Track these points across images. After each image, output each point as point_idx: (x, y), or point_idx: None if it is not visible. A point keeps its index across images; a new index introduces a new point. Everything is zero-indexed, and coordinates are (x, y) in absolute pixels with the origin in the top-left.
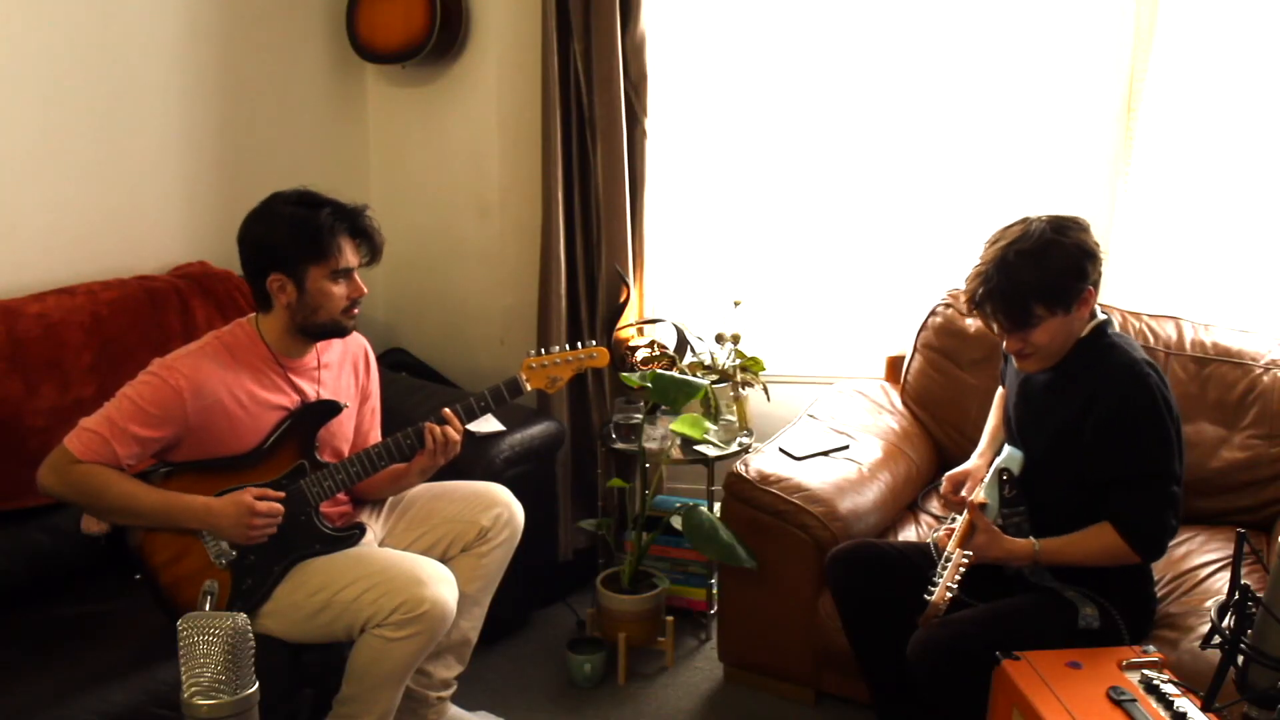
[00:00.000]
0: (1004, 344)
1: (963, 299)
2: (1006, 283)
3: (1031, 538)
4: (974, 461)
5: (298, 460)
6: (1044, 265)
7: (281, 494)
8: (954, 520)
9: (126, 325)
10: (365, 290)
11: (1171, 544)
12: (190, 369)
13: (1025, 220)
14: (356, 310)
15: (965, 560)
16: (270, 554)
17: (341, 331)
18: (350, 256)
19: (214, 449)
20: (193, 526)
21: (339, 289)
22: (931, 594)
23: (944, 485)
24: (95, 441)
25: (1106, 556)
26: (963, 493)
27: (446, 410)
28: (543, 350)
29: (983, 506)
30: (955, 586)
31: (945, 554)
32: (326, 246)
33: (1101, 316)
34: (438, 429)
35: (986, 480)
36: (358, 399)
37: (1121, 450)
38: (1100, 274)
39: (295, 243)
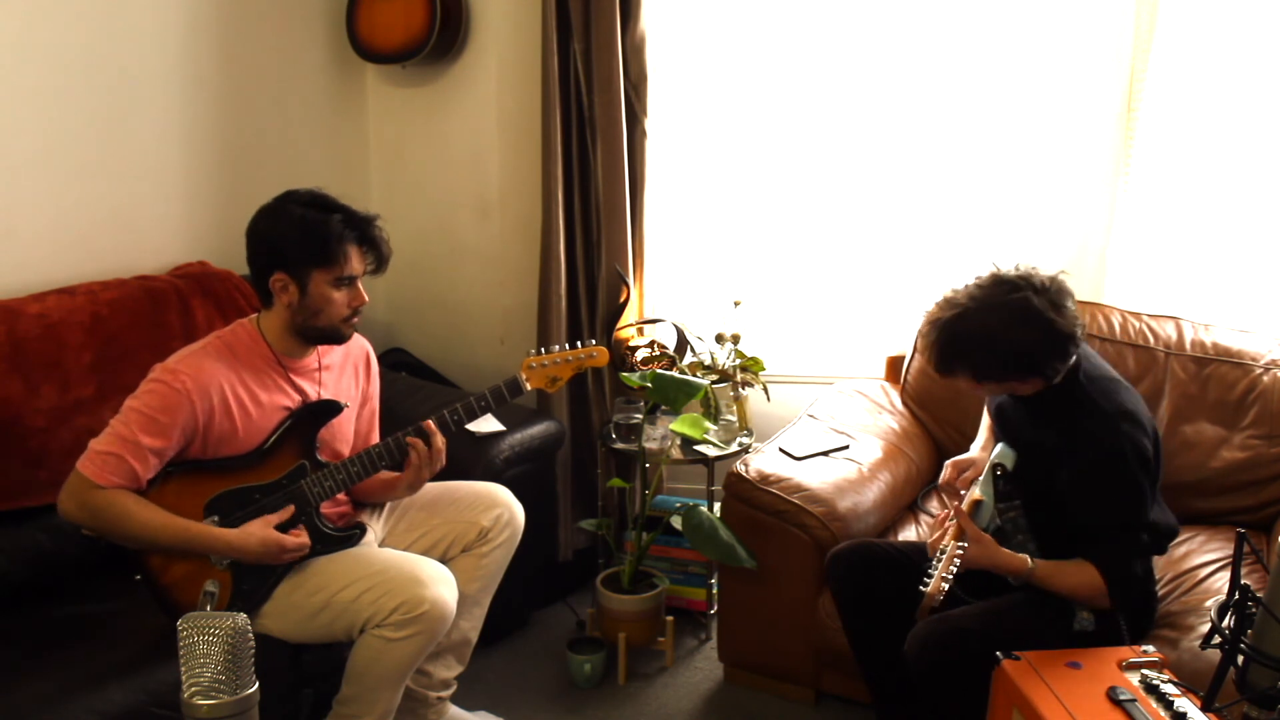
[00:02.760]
0: None
1: (924, 319)
2: (945, 340)
3: (1027, 556)
4: (976, 452)
5: (298, 460)
6: (987, 348)
7: (305, 542)
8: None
9: (126, 325)
10: (366, 299)
11: (1172, 544)
12: (193, 370)
13: (1015, 287)
14: (357, 319)
15: (960, 552)
16: None
17: (340, 338)
18: (356, 265)
19: (218, 449)
20: (217, 556)
21: (341, 295)
22: (927, 585)
23: (946, 471)
24: (111, 463)
25: (1086, 592)
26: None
27: (428, 423)
28: (542, 350)
29: (978, 503)
30: (950, 578)
31: (939, 548)
32: (334, 253)
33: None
34: (421, 444)
35: (981, 477)
36: (358, 401)
37: (1095, 503)
38: (1065, 360)
39: (303, 246)
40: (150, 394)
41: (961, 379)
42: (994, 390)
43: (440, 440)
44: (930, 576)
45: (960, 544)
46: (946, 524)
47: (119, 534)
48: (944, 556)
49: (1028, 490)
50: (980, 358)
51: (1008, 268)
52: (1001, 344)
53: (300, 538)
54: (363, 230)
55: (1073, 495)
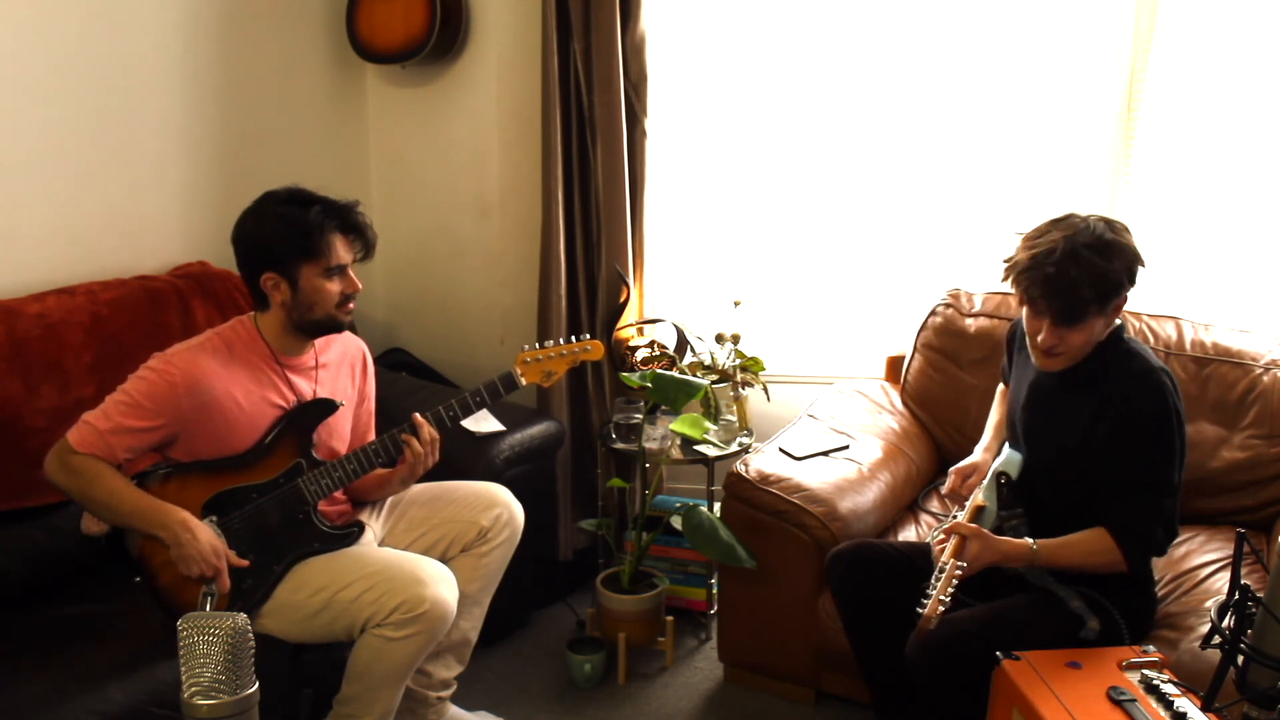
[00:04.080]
0: (1039, 338)
1: (1020, 286)
2: (1073, 276)
3: (1029, 539)
4: (979, 455)
5: (295, 459)
6: (1109, 262)
7: (246, 563)
8: (957, 515)
9: (126, 325)
10: (359, 286)
11: (1172, 544)
12: (186, 363)
13: (1075, 215)
14: (351, 305)
15: (959, 572)
16: (270, 553)
17: (337, 327)
18: (343, 253)
19: (212, 446)
20: (165, 535)
21: (333, 286)
22: (925, 606)
23: (951, 479)
24: (91, 434)
25: (1099, 562)
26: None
27: (416, 416)
28: (537, 345)
29: (981, 509)
30: (948, 600)
31: (938, 565)
32: (317, 245)
33: (1116, 320)
34: (415, 441)
35: (985, 483)
36: (354, 400)
37: (1126, 456)
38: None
39: (287, 242)
40: (140, 379)
41: (1086, 324)
42: (1097, 332)
43: (428, 433)
44: (928, 597)
45: (960, 563)
46: (944, 542)
47: (87, 495)
48: (942, 575)
49: (1046, 480)
50: (1109, 272)
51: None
52: (1115, 250)
53: (224, 576)
54: (344, 218)
55: (1107, 449)
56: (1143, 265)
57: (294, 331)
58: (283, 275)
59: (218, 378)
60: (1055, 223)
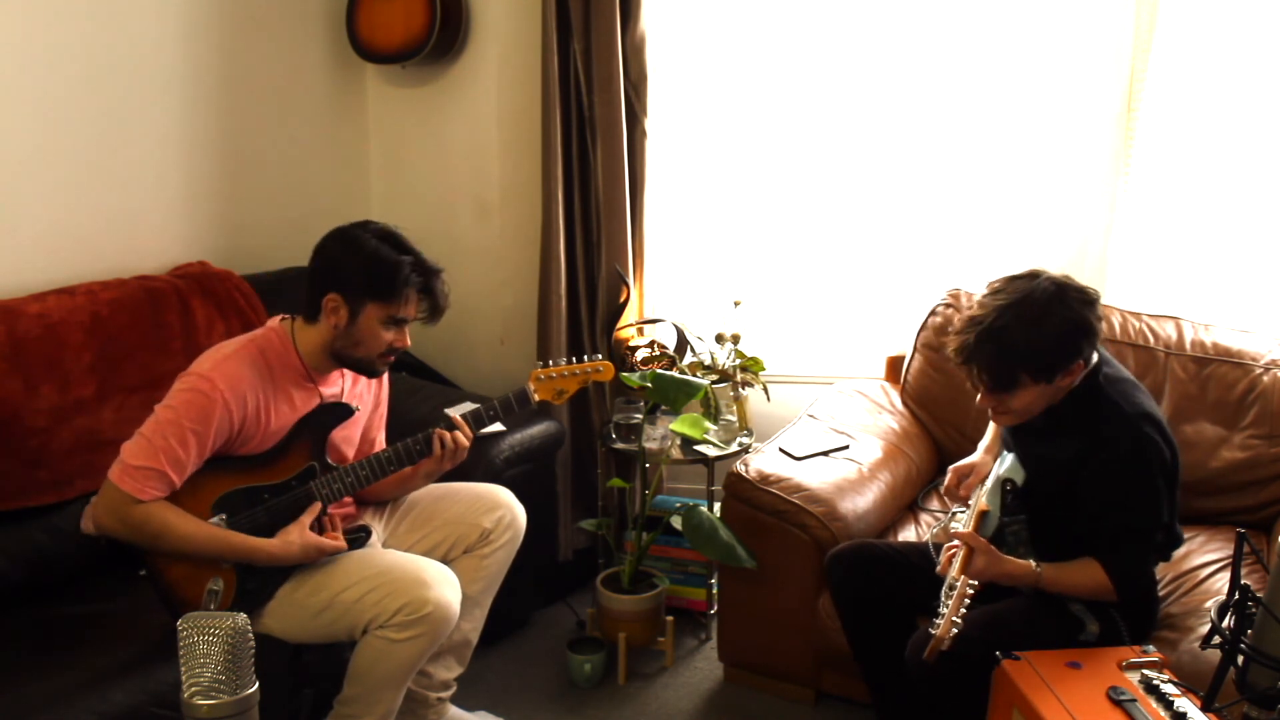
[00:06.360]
0: (978, 399)
1: (950, 349)
2: (997, 346)
3: (1033, 561)
4: (979, 455)
5: (308, 462)
6: (1039, 334)
7: (341, 544)
8: (956, 513)
9: (126, 325)
10: (409, 343)
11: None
12: (229, 378)
13: (1032, 276)
14: (392, 358)
15: (970, 590)
16: None
17: (372, 372)
18: (411, 309)
19: (239, 451)
20: (263, 563)
21: (387, 334)
22: (937, 626)
23: (949, 477)
24: (150, 478)
25: (1094, 591)
26: (969, 488)
27: (456, 417)
28: (550, 363)
29: (984, 514)
30: (960, 621)
31: (948, 582)
32: (396, 292)
33: (1093, 358)
34: (447, 435)
35: (989, 488)
36: (370, 405)
37: (1112, 503)
38: (1095, 348)
39: (368, 276)
40: (186, 404)
41: (1021, 392)
42: (1045, 396)
43: (468, 431)
44: (940, 616)
45: (971, 581)
46: (953, 551)
47: (158, 546)
48: (954, 594)
49: (1039, 502)
50: (1038, 347)
51: (996, 279)
52: (1051, 325)
53: (337, 540)
54: (428, 279)
55: (1091, 496)
56: (1092, 336)
57: (331, 356)
58: (346, 302)
59: (258, 387)
60: (1008, 282)
